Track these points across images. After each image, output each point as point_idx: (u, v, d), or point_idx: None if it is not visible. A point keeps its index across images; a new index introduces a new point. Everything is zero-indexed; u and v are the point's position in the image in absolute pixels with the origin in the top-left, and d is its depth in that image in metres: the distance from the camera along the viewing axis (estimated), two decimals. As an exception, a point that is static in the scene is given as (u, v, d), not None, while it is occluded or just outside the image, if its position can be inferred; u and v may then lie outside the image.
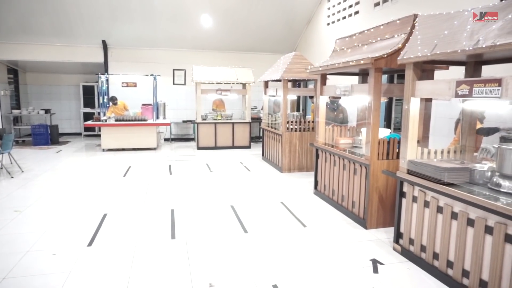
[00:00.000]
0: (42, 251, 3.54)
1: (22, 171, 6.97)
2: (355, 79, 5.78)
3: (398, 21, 4.05)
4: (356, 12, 8.01)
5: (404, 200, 3.52)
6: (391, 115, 6.98)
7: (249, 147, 10.21)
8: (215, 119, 10.07)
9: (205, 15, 10.07)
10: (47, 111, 11.33)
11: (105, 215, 4.59)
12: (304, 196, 5.61)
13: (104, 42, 10.85)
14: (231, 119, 10.25)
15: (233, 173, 7.10)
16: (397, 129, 7.05)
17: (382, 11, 7.03)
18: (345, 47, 5.05)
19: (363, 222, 4.29)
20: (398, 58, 3.33)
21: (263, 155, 8.61)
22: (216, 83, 9.80)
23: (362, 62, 3.91)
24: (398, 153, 4.16)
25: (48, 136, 10.55)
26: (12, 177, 6.52)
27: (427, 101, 3.72)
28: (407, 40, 3.61)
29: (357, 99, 5.50)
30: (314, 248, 3.71)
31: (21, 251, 3.53)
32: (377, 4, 7.26)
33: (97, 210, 4.78)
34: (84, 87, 12.53)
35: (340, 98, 6.17)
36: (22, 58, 10.86)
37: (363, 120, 5.56)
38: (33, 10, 9.31)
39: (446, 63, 3.73)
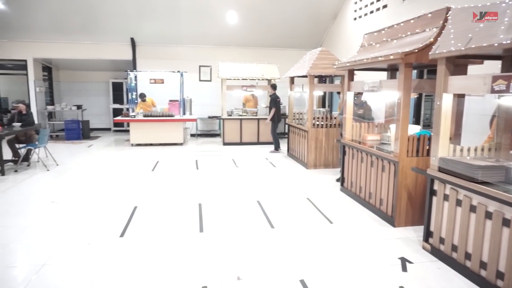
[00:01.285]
0: (77, 241, 3.72)
1: (57, 164, 7.29)
2: (383, 74, 5.68)
3: (429, 15, 3.94)
4: (384, 6, 7.83)
5: (434, 198, 3.45)
6: (421, 112, 6.81)
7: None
8: (241, 115, 10.13)
9: (230, 11, 10.13)
10: (79, 107, 11.77)
11: (135, 208, 4.74)
12: (330, 193, 5.58)
13: (132, 40, 11.12)
14: (256, 115, 10.29)
15: (258, 169, 7.15)
16: (426, 125, 6.87)
17: (411, 5, 6.85)
18: (373, 42, 4.97)
19: (391, 220, 4.24)
20: (430, 53, 3.25)
21: (288, 151, 8.60)
22: (242, 79, 9.86)
23: (391, 57, 3.84)
24: (428, 150, 4.08)
25: (80, 131, 10.97)
26: (48, 170, 6.84)
27: (459, 97, 3.61)
28: (439, 34, 3.51)
29: (384, 95, 5.40)
30: (341, 245, 3.70)
31: (58, 240, 3.72)
32: (406, -3, 7.08)
33: (128, 203, 4.95)
34: (113, 83, 12.91)
35: (362, 94, 6.06)
36: (56, 56, 11.34)
37: (392, 117, 5.46)
38: (65, 10, 9.67)
39: (481, 58, 3.61)
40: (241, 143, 10.07)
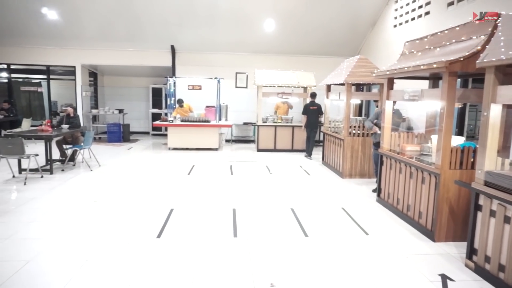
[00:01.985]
0: (117, 239, 3.87)
1: (99, 165, 7.65)
2: (424, 83, 5.51)
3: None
4: (427, 13, 7.60)
5: (479, 214, 3.28)
6: (464, 122, 6.51)
7: (308, 151, 10.15)
8: (275, 122, 10.16)
9: (268, 19, 10.23)
10: (120, 111, 12.30)
11: (172, 210, 4.87)
12: (366, 203, 5.46)
13: (172, 47, 11.51)
14: (291, 123, 10.28)
15: (292, 176, 7.12)
16: (470, 137, 6.56)
17: (456, 11, 6.60)
18: (414, 50, 4.83)
19: (430, 234, 4.07)
20: (477, 62, 3.12)
21: (323, 159, 8.51)
22: (277, 86, 9.91)
23: (435, 66, 3.72)
24: (473, 163, 3.89)
25: (120, 134, 11.46)
26: (91, 170, 7.19)
27: (509, 108, 3.43)
28: (487, 41, 3.36)
29: (425, 104, 5.23)
30: (378, 257, 3.60)
31: (100, 238, 3.90)
32: (450, 4, 6.83)
33: (165, 205, 5.09)
34: (153, 89, 13.39)
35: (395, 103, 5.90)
36: (101, 63, 11.97)
37: (433, 127, 5.28)
38: (111, 19, 10.21)
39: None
40: (275, 150, 10.09)
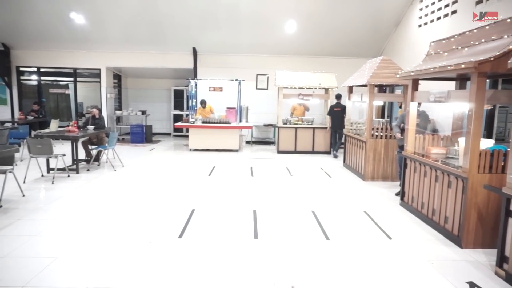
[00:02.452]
0: (140, 238, 3.94)
1: (123, 166, 7.82)
2: (449, 84, 5.34)
3: (508, 20, 3.65)
4: (454, 12, 7.38)
5: (510, 220, 3.15)
6: (493, 124, 6.28)
7: (329, 153, 10.04)
8: (296, 124, 10.11)
9: (290, 20, 10.20)
10: (143, 112, 12.55)
11: (193, 211, 4.92)
12: (389, 207, 5.35)
13: (194, 49, 11.65)
14: (312, 124, 10.20)
15: (313, 178, 7.06)
16: (500, 139, 6.32)
17: (486, 10, 6.37)
18: (441, 50, 4.70)
19: (457, 240, 3.94)
20: (509, 61, 3.00)
21: (344, 161, 8.40)
22: (298, 87, 9.85)
23: (463, 66, 3.61)
24: (503, 167, 3.75)
25: (143, 135, 11.68)
26: (115, 170, 7.36)
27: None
28: (520, 41, 3.24)
29: (451, 106, 5.08)
30: (402, 263, 3.52)
31: (123, 236, 3.98)
32: (479, 2, 6.60)
33: (186, 205, 5.15)
34: (175, 91, 13.59)
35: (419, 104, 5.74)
36: (125, 65, 12.25)
37: (460, 129, 5.12)
38: (135, 23, 10.43)
39: None
40: (295, 152, 10.03)
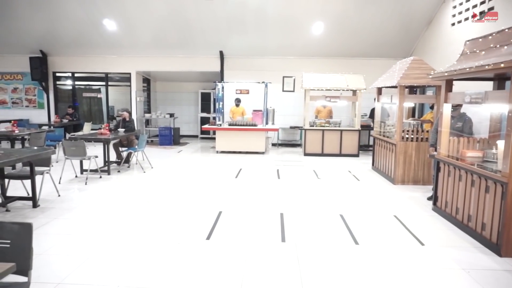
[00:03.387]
0: (169, 240, 4.01)
1: (152, 167, 7.99)
2: (486, 84, 5.11)
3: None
4: (490, 9, 7.07)
5: (555, 228, 2.96)
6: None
7: (357, 155, 9.86)
8: (323, 126, 9.99)
9: (317, 22, 10.12)
10: (171, 115, 12.80)
11: (220, 213, 4.95)
12: (420, 212, 5.17)
13: (221, 53, 11.77)
14: (339, 126, 10.05)
15: (341, 182, 6.95)
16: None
17: (525, 6, 6.07)
18: (477, 49, 4.50)
19: (496, 248, 3.75)
20: (554, 60, 2.83)
21: (373, 164, 8.21)
22: (325, 89, 9.73)
23: (502, 65, 3.44)
24: (546, 172, 3.54)
25: (171, 137, 11.91)
26: (144, 172, 7.54)
27: None
28: None
29: (488, 108, 4.85)
30: (436, 270, 3.38)
31: (152, 237, 4.06)
32: (518, -2, 6.30)
33: (214, 207, 5.19)
34: (202, 93, 13.80)
35: (460, 106, 5.48)
36: (154, 69, 12.56)
37: (498, 132, 4.88)
38: (164, 27, 10.68)
39: None
40: (322, 154, 9.91)
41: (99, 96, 14.08)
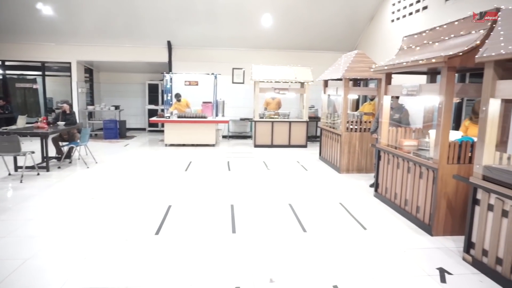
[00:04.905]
0: (116, 236, 3.86)
1: (96, 162, 7.61)
2: (421, 78, 5.50)
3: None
4: (425, 8, 7.58)
5: (477, 208, 3.30)
6: (461, 117, 6.52)
7: (305, 146, 10.16)
8: (272, 118, 10.14)
9: (266, 14, 10.17)
10: (116, 107, 12.21)
11: (169, 207, 4.86)
12: (363, 198, 5.47)
13: (169, 43, 11.42)
14: (288, 118, 10.26)
15: (290, 172, 7.12)
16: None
17: (455, 6, 6.59)
18: (413, 45, 4.82)
19: (428, 229, 4.09)
20: (477, 56, 3.11)
21: (320, 154, 8.52)
22: (274, 81, 9.87)
23: (433, 60, 3.71)
24: (470, 158, 3.91)
25: (117, 131, 11.39)
26: (88, 167, 7.15)
27: (507, 102, 3.43)
28: (486, 36, 3.36)
29: (422, 99, 5.24)
30: (376, 252, 3.61)
31: (98, 235, 3.88)
32: (448, -2, 6.82)
33: (163, 202, 5.08)
34: (149, 85, 13.32)
35: (398, 98, 5.89)
36: (97, 59, 11.85)
37: (431, 122, 5.29)
38: (109, 15, 10.10)
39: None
40: (272, 146, 10.08)
41: (34, 87, 13.01)
